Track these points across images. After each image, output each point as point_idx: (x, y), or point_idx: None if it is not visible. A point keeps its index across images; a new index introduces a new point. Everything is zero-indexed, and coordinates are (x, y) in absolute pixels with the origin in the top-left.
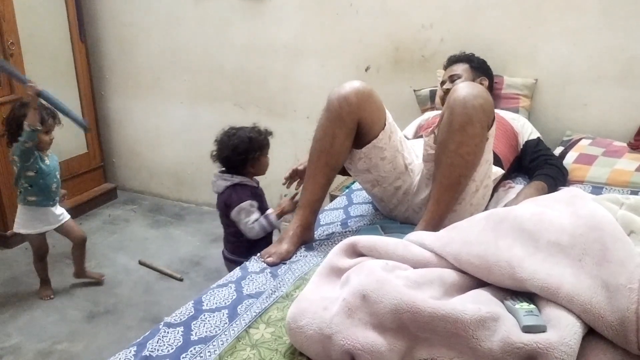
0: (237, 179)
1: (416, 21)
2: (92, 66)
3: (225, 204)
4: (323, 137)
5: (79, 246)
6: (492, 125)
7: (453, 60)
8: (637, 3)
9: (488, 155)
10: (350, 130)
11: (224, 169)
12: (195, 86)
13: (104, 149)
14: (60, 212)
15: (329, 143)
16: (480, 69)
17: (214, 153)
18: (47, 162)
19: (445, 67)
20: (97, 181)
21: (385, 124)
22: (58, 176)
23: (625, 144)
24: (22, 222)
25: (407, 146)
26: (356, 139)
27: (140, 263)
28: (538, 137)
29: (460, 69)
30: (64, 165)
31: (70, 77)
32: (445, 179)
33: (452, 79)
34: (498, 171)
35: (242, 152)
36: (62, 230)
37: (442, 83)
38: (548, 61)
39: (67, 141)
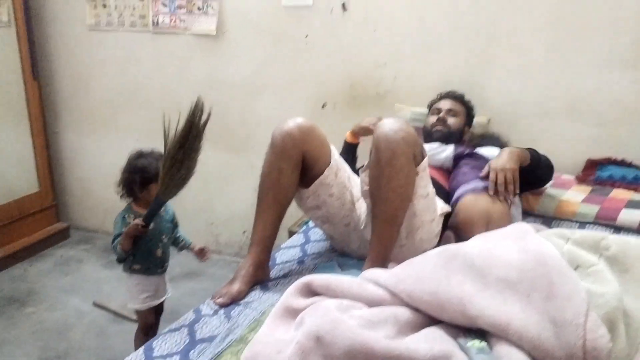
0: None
1: (370, 59)
2: (46, 103)
3: None
4: (270, 172)
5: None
6: (421, 160)
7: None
8: (579, 39)
9: (424, 190)
10: (296, 164)
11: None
12: (152, 122)
13: (56, 188)
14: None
15: (276, 177)
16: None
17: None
18: (151, 225)
19: (443, 98)
20: (49, 220)
21: (330, 160)
22: (165, 239)
23: (573, 177)
24: (131, 295)
25: (357, 182)
26: (304, 177)
27: (95, 304)
28: None
29: (459, 108)
30: (13, 205)
31: (22, 115)
32: (382, 214)
33: (449, 113)
34: (444, 207)
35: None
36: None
37: (438, 111)
38: (498, 99)
39: (17, 179)
